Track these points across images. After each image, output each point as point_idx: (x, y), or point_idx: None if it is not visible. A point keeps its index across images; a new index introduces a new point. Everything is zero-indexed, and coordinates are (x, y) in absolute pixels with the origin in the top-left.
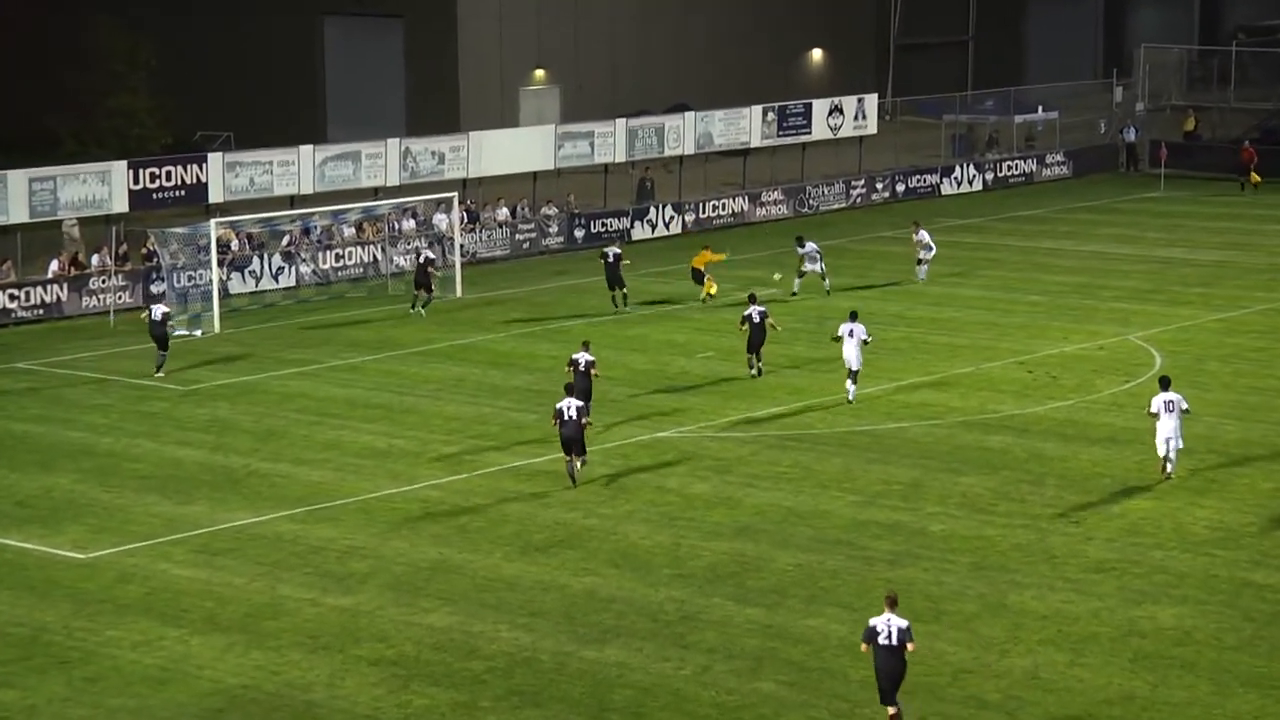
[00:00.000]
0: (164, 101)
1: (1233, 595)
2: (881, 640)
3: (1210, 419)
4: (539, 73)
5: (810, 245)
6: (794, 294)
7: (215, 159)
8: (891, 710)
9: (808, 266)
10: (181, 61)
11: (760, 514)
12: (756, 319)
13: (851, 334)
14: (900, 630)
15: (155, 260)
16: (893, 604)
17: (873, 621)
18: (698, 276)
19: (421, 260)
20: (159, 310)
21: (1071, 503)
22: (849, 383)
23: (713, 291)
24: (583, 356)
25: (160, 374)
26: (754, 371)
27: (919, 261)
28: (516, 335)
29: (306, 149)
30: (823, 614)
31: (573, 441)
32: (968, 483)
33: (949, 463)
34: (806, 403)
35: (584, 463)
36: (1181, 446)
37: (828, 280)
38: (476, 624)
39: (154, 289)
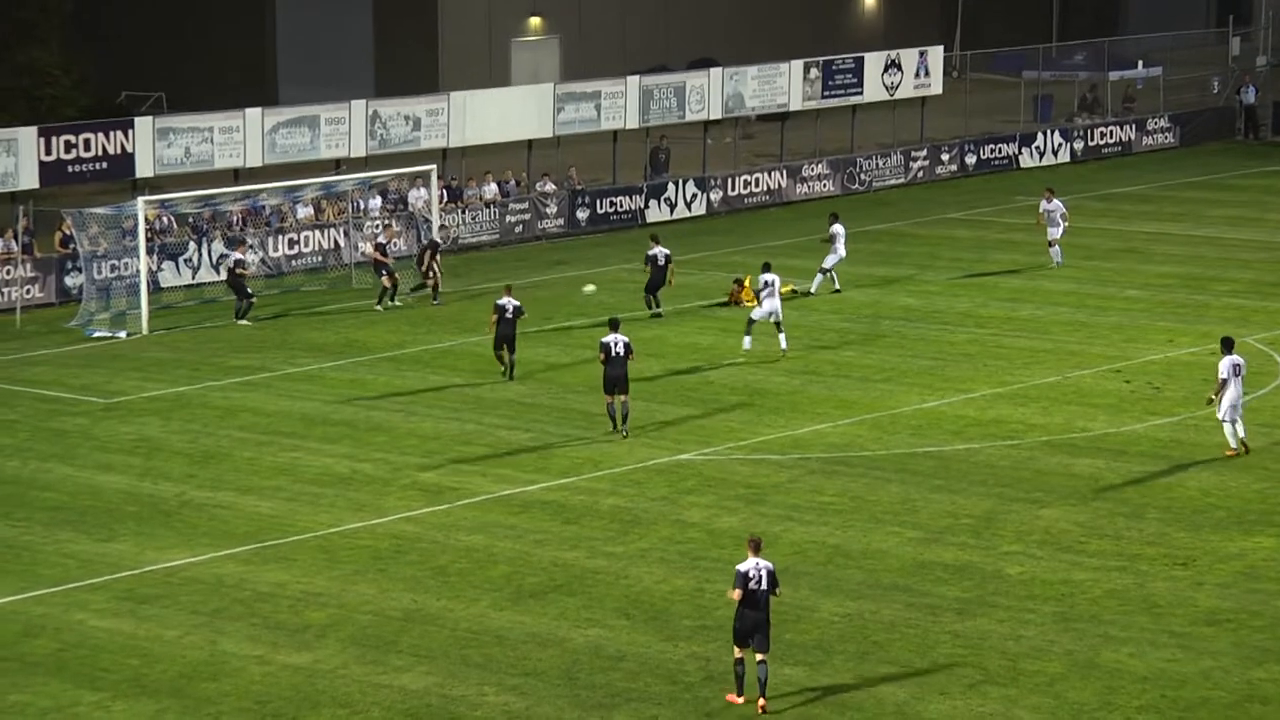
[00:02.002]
0: (81, 56)
1: None
2: (752, 585)
3: None
4: (534, 21)
5: (839, 227)
6: (836, 290)
7: (144, 125)
8: (760, 657)
9: (830, 259)
10: (103, 7)
11: (801, 553)
12: (662, 261)
13: (767, 285)
14: (770, 574)
15: (72, 247)
16: (756, 547)
17: (741, 567)
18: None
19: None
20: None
21: (1177, 540)
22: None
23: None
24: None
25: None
26: (656, 311)
27: (1050, 243)
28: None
29: (254, 113)
30: (876, 675)
31: (619, 380)
32: (1051, 516)
33: (1029, 491)
34: (858, 418)
35: (626, 403)
36: (1229, 418)
37: (835, 280)
38: (458, 686)
39: (69, 281)
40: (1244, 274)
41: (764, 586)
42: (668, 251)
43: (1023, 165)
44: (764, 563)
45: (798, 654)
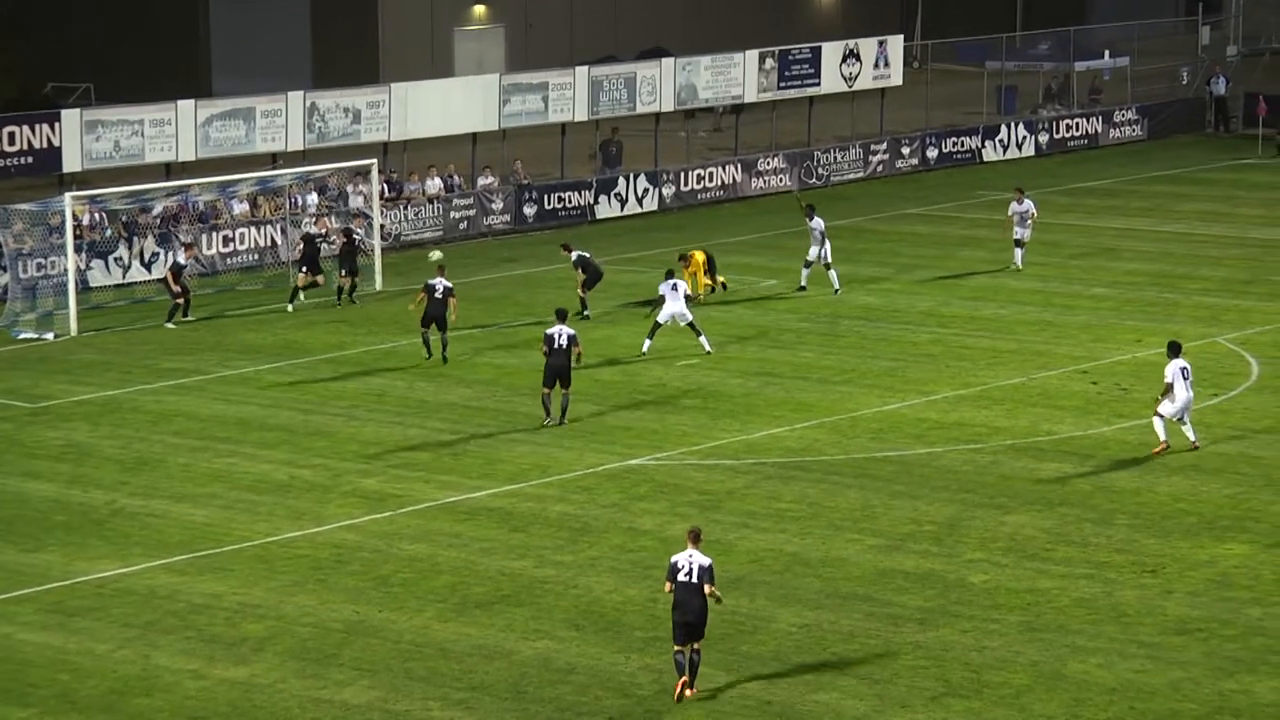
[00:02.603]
0: (5, 45)
1: None
2: (681, 577)
3: None
4: (479, 9)
5: (818, 221)
6: (801, 288)
7: (71, 117)
8: (696, 645)
9: (812, 252)
10: None
11: (757, 562)
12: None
13: (675, 287)
14: (701, 568)
15: None
16: (695, 539)
17: (675, 558)
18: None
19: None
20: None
21: (1146, 547)
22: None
23: (703, 291)
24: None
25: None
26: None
27: (1017, 242)
28: (450, 338)
29: (186, 105)
30: (836, 687)
31: (561, 372)
32: (1016, 522)
33: (993, 497)
34: (816, 421)
35: (567, 397)
36: (1176, 416)
37: (834, 272)
38: (401, 700)
39: None
40: (1215, 271)
41: (694, 579)
42: (585, 254)
43: (986, 159)
44: (699, 556)
45: (754, 666)
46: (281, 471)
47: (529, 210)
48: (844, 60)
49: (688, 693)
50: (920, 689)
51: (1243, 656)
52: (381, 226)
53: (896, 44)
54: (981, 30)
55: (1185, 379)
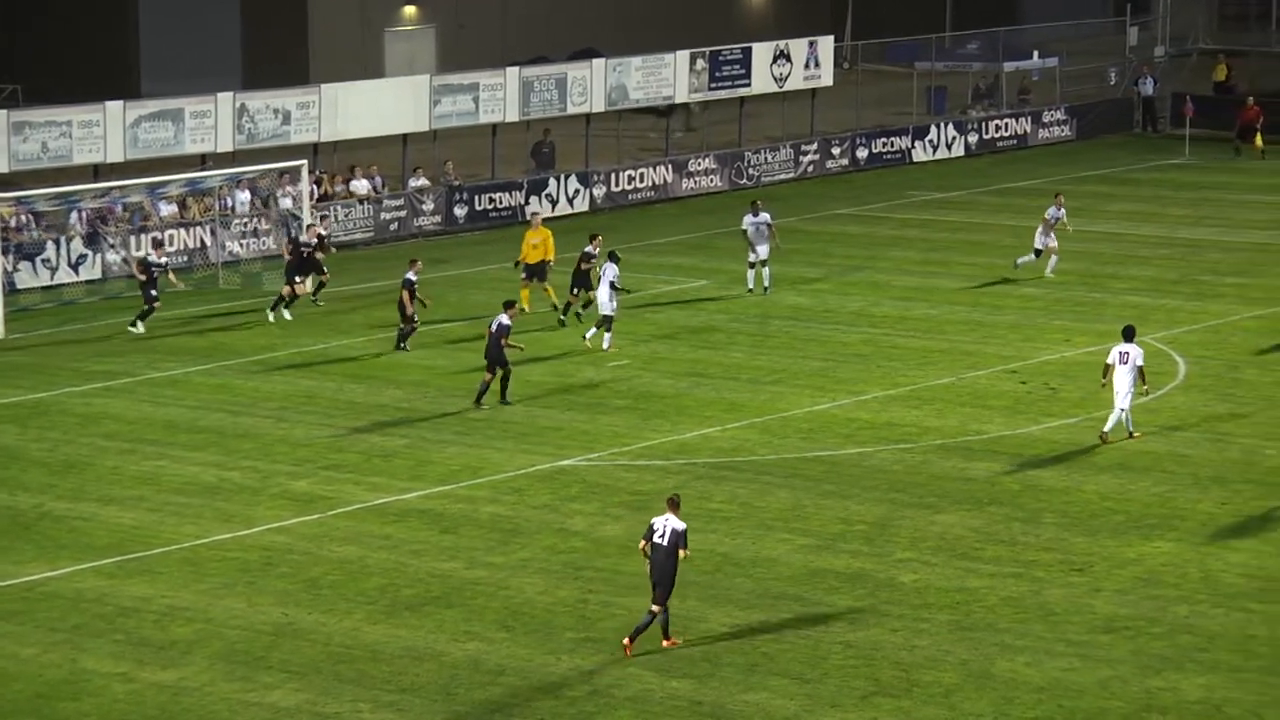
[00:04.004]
0: None
1: (1275, 660)
2: (656, 539)
3: (1246, 441)
4: (409, 10)
5: (764, 216)
6: (750, 290)
7: None
8: (655, 608)
9: (757, 250)
10: None
11: (688, 562)
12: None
13: (605, 272)
14: (674, 532)
15: None
16: (674, 505)
17: (653, 521)
18: (533, 271)
19: (305, 239)
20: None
21: (1074, 546)
22: (605, 331)
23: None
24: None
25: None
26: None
27: (1043, 251)
28: (382, 340)
29: (115, 106)
30: (766, 687)
31: (489, 356)
32: (946, 521)
33: (923, 496)
34: (747, 422)
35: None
36: (1126, 407)
37: (768, 273)
38: (331, 703)
39: None
40: (1143, 271)
41: (665, 542)
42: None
43: (916, 159)
44: (675, 520)
45: (685, 666)
46: (210, 474)
47: (460, 211)
48: (775, 61)
49: (626, 643)
50: (850, 688)
51: (1170, 654)
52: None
53: (827, 45)
54: (911, 31)
55: (1122, 363)
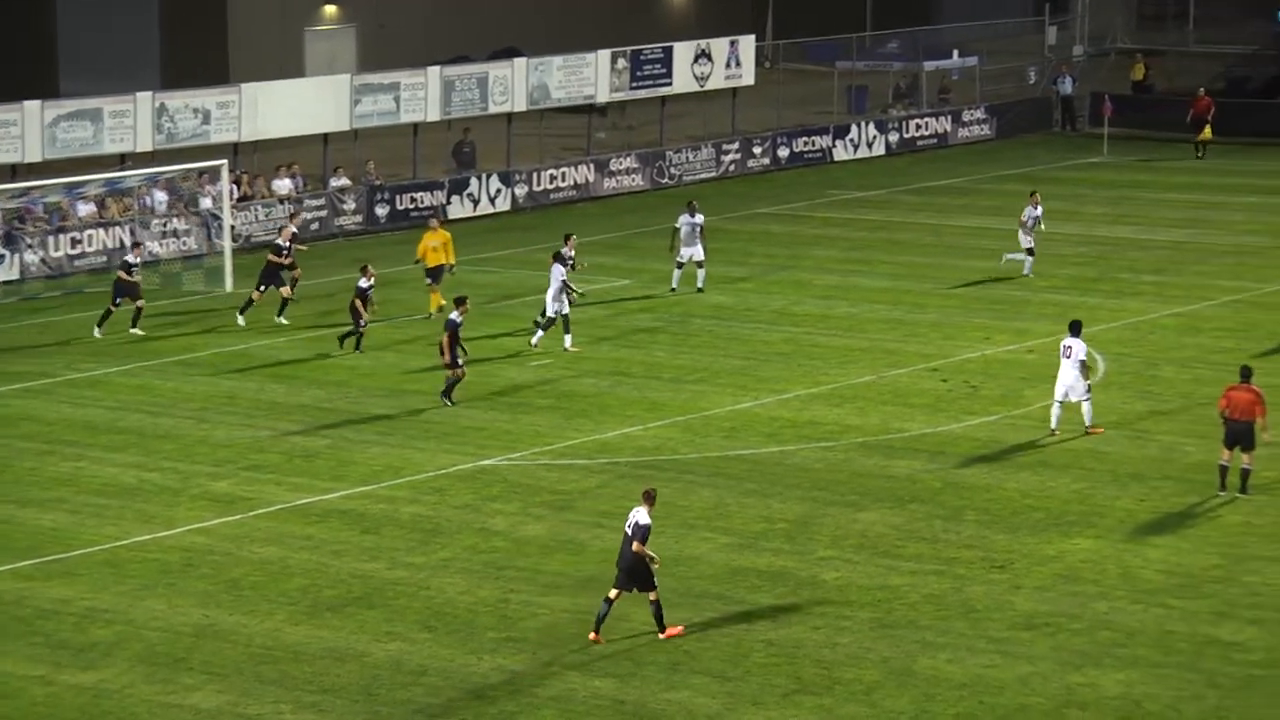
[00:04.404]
0: None
1: (1193, 656)
2: (627, 529)
3: (1165, 438)
4: (330, 9)
5: (700, 218)
6: (674, 289)
7: None
8: (613, 594)
9: (685, 251)
10: None
11: (610, 561)
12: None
13: (554, 273)
14: (636, 525)
15: None
16: (647, 499)
17: (630, 512)
18: (434, 275)
19: (280, 242)
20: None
21: (995, 543)
22: (539, 331)
23: (437, 306)
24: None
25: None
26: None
27: (1028, 251)
28: (302, 340)
29: (32, 105)
30: (688, 685)
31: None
32: (868, 519)
33: (844, 494)
34: (669, 421)
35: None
36: (1084, 399)
37: (702, 274)
38: (252, 704)
39: None
40: (1062, 269)
41: (629, 533)
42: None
43: (836, 158)
44: (643, 515)
45: (607, 665)
46: (130, 475)
47: (381, 211)
48: (696, 60)
49: (663, 635)
50: (772, 686)
51: (1089, 650)
52: (231, 228)
53: (748, 44)
54: (832, 30)
55: (1066, 357)
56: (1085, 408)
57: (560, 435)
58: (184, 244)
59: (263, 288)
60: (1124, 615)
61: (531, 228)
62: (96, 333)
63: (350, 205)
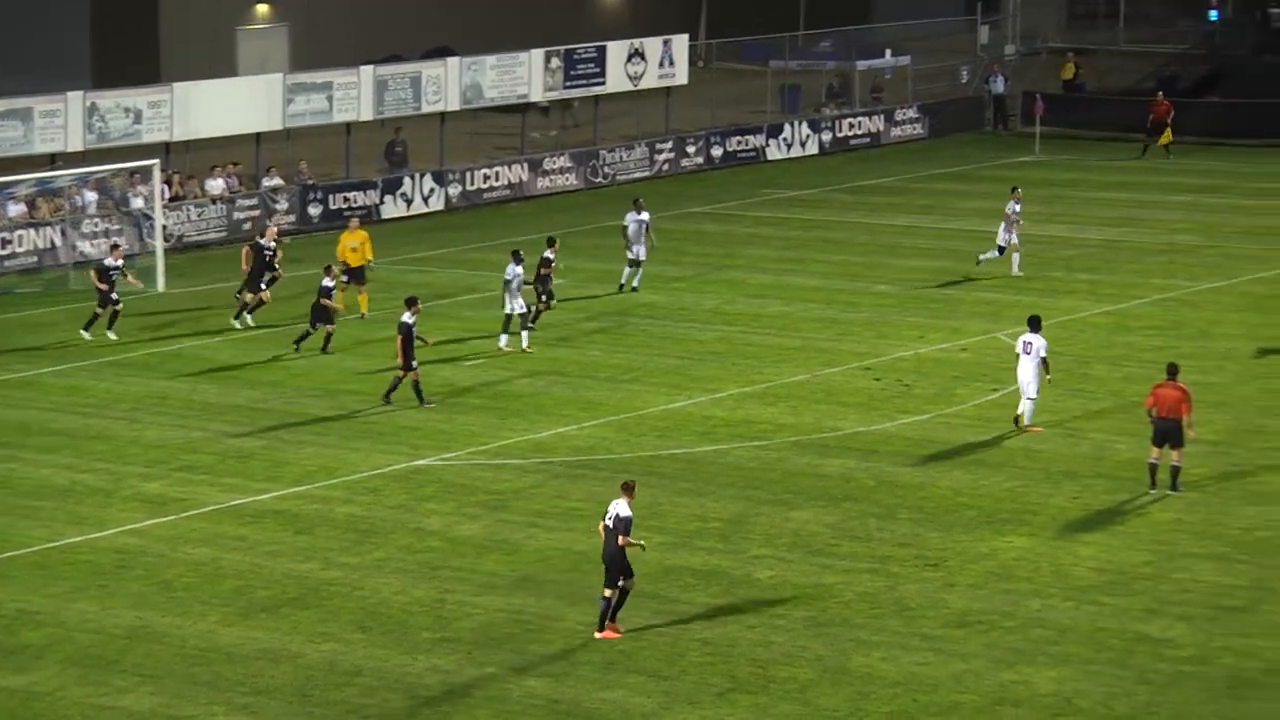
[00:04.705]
0: None
1: (1124, 653)
2: (607, 522)
3: (1097, 436)
4: (261, 8)
5: (645, 215)
6: (622, 286)
7: None
8: (607, 592)
9: (634, 248)
10: None
11: (545, 561)
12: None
13: (509, 273)
14: (617, 518)
15: None
16: (626, 490)
17: (611, 503)
18: (355, 275)
19: (264, 242)
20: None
21: (929, 541)
22: (520, 330)
23: (363, 308)
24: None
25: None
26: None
27: (1005, 248)
28: (236, 340)
29: None
30: (624, 685)
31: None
32: (802, 518)
33: (778, 493)
34: (604, 420)
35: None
36: (1034, 397)
37: (639, 273)
38: (185, 706)
39: None
40: (996, 268)
41: (610, 525)
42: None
43: (770, 157)
44: (624, 507)
45: (542, 665)
46: (62, 476)
47: (314, 210)
48: (629, 60)
49: (609, 634)
50: (707, 685)
51: (1022, 648)
52: (164, 227)
53: (681, 43)
54: (765, 29)
55: (1025, 353)
56: (1025, 404)
57: (495, 435)
58: (125, 247)
59: (251, 289)
60: (1056, 613)
61: (465, 227)
62: (85, 334)
63: (283, 205)
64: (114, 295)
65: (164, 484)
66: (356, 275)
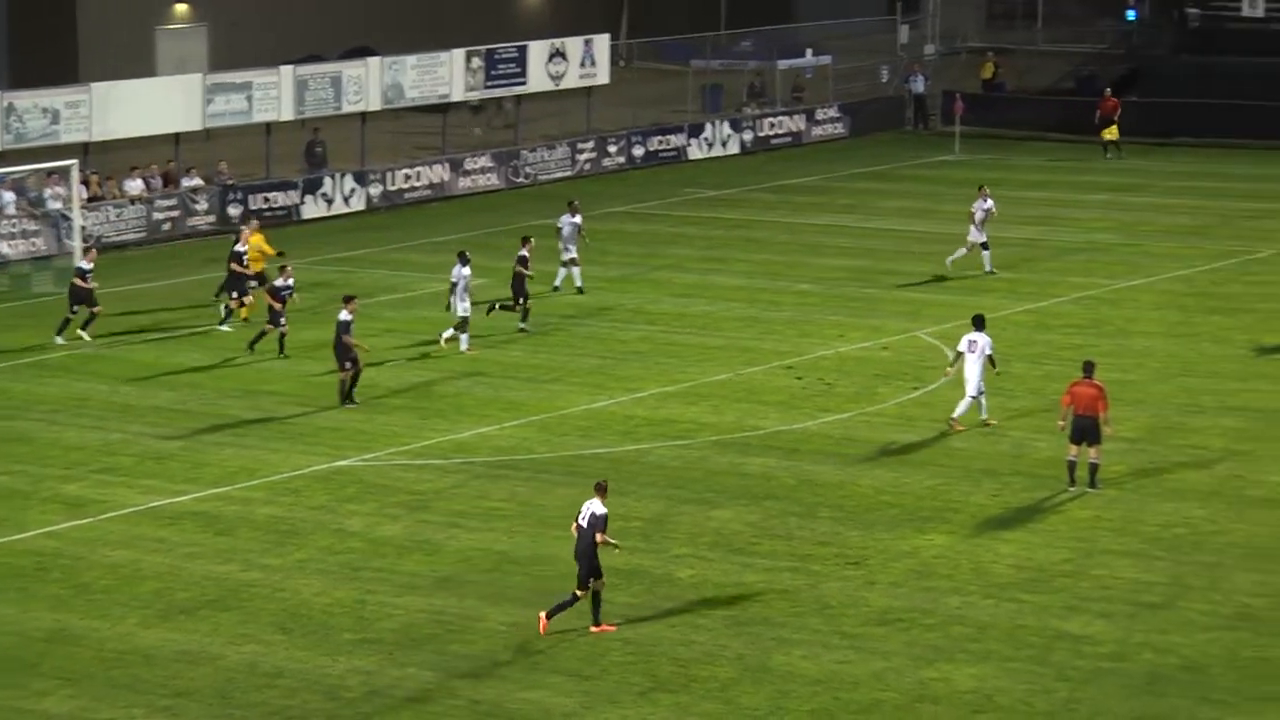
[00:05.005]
0: None
1: (1043, 650)
2: (580, 520)
3: (1016, 433)
4: (180, 8)
5: (579, 218)
6: (557, 288)
7: None
8: (579, 592)
9: (570, 249)
10: None
11: (467, 561)
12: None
13: (454, 275)
14: (593, 515)
15: None
16: (599, 490)
17: (585, 503)
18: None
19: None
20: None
21: (850, 540)
22: (460, 333)
23: (244, 315)
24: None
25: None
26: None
27: (981, 245)
28: (155, 341)
29: None
30: (545, 685)
31: (343, 358)
32: (723, 517)
33: (700, 492)
34: (525, 420)
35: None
36: (975, 394)
37: (577, 272)
38: (105, 709)
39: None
40: (916, 266)
41: (584, 524)
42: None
43: (691, 157)
44: (598, 505)
45: (463, 665)
46: None
47: (234, 210)
48: (550, 59)
49: (598, 629)
50: (629, 684)
51: (942, 645)
52: (82, 229)
53: (603, 43)
54: (686, 29)
55: (970, 351)
56: (964, 402)
57: (416, 435)
58: (33, 245)
59: (234, 294)
60: (976, 610)
61: (386, 227)
62: (59, 339)
63: (203, 205)
64: (86, 288)
65: (83, 486)
66: (259, 277)
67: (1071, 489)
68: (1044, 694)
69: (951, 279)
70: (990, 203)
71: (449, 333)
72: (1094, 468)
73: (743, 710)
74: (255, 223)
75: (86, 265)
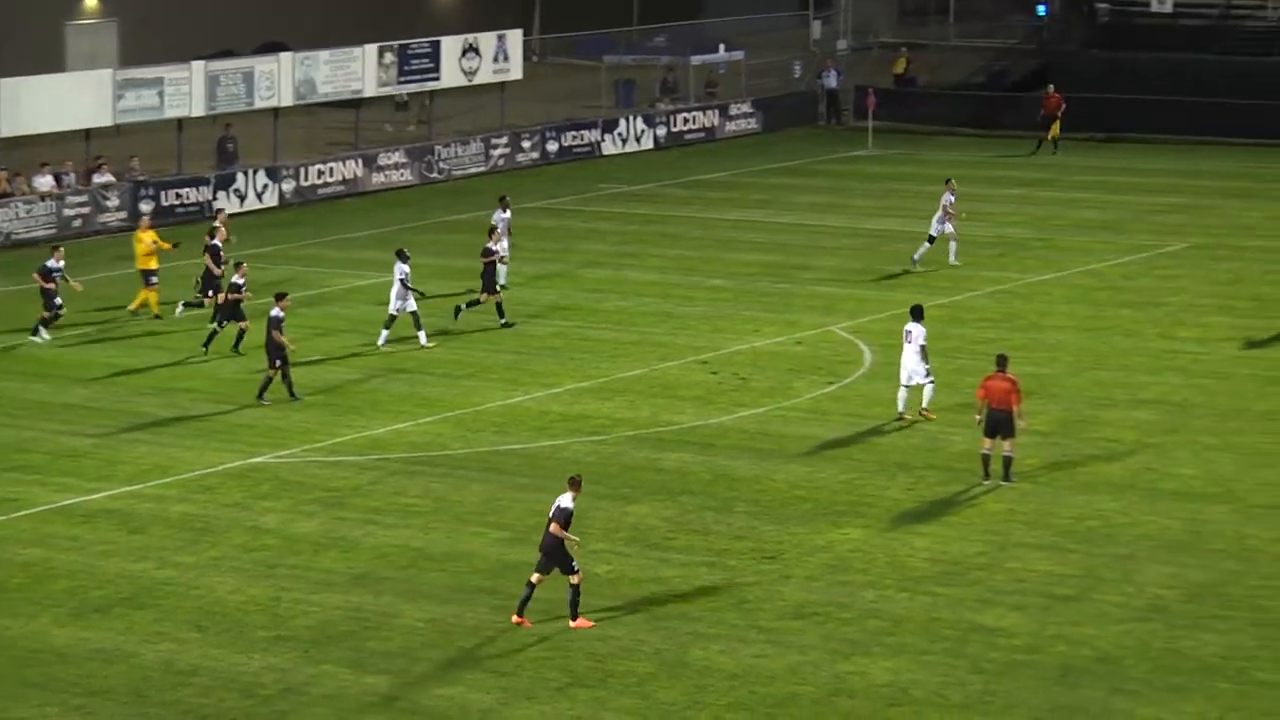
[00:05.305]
0: None
1: (958, 642)
2: (551, 513)
3: (929, 428)
4: (90, 3)
5: (509, 213)
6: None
7: None
8: (534, 578)
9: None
10: None
11: (383, 558)
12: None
13: (396, 272)
14: (557, 508)
15: None
16: (572, 485)
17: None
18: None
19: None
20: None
21: (765, 534)
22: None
23: (153, 309)
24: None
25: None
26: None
27: (937, 238)
28: (66, 338)
29: None
30: (462, 681)
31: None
32: (639, 512)
33: (615, 488)
34: (440, 416)
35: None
36: (924, 382)
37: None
38: (17, 708)
39: None
40: (829, 261)
41: (550, 515)
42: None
43: (605, 152)
44: (566, 499)
45: (380, 663)
46: None
47: (145, 206)
48: (464, 54)
49: (576, 625)
50: (545, 680)
51: (858, 639)
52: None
53: (516, 38)
54: (599, 24)
55: (907, 342)
56: (927, 390)
57: (331, 432)
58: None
59: (210, 292)
60: (891, 603)
61: (298, 223)
62: (40, 337)
63: (114, 202)
64: (58, 299)
65: None
66: (154, 273)
67: (985, 482)
68: (959, 686)
69: (866, 273)
70: (953, 197)
71: (423, 337)
72: (1008, 461)
73: (660, 705)
74: (146, 220)
75: (54, 264)
